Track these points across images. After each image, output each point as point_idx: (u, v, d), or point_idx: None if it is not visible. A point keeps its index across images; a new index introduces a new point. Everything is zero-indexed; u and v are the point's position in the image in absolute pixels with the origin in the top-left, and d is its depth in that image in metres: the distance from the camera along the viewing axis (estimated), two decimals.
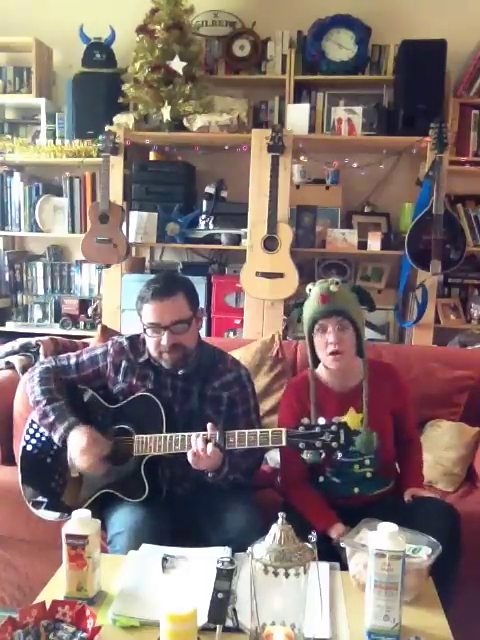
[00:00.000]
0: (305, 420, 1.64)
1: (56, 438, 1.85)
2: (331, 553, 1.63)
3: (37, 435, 1.95)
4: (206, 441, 1.68)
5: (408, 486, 1.88)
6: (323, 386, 1.93)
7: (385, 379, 1.94)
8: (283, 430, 1.65)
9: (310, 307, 1.85)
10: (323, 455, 1.61)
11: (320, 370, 1.95)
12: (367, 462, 1.87)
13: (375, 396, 1.88)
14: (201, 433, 1.71)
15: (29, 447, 1.95)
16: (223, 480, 1.77)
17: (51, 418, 1.85)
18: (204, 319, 3.33)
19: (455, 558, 1.68)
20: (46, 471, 1.92)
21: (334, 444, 1.58)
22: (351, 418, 1.84)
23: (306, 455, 1.63)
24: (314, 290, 1.86)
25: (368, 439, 1.81)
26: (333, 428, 1.59)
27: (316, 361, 1.93)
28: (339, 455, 1.62)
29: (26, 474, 1.95)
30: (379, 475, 1.90)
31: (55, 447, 1.91)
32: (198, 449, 1.68)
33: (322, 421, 1.62)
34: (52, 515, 1.89)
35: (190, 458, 1.70)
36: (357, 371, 1.91)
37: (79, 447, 1.79)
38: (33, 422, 1.97)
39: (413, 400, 2.03)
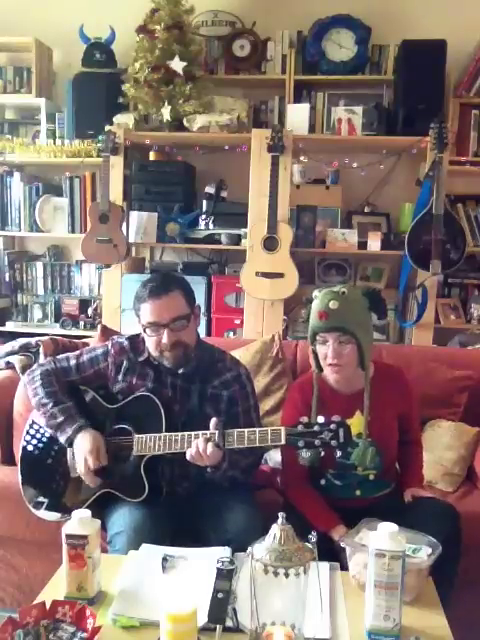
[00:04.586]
0: (304, 419, 1.63)
1: (63, 439, 1.84)
2: (331, 553, 1.63)
3: (37, 436, 1.95)
4: (207, 441, 1.68)
5: (408, 486, 1.88)
6: (330, 388, 1.91)
7: (392, 382, 1.93)
8: (282, 428, 1.65)
9: (311, 318, 1.83)
10: (322, 454, 1.60)
11: (326, 372, 1.94)
12: (371, 465, 1.85)
13: (381, 400, 1.86)
14: (200, 433, 1.71)
15: (30, 447, 1.95)
16: (222, 476, 1.77)
17: (60, 419, 1.85)
18: (204, 319, 3.38)
19: (455, 558, 1.68)
20: (46, 472, 1.92)
21: (333, 442, 1.58)
22: (358, 420, 1.83)
23: (302, 456, 1.63)
24: (315, 303, 1.82)
25: (364, 453, 1.78)
26: (332, 426, 1.59)
27: (320, 365, 1.91)
28: (338, 453, 1.62)
29: (26, 475, 1.94)
30: (382, 477, 1.89)
31: (56, 447, 1.91)
32: (199, 449, 1.68)
33: (321, 419, 1.61)
34: (52, 515, 1.89)
35: (189, 457, 1.70)
36: (361, 377, 1.87)
37: (83, 451, 1.79)
38: (34, 422, 1.97)
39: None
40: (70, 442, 1.84)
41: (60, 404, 1.87)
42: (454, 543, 1.67)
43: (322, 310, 1.78)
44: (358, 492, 1.88)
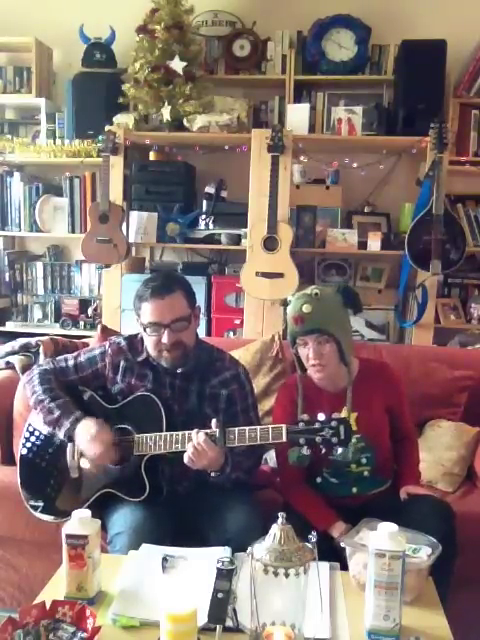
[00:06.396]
0: (305, 416, 1.64)
1: (62, 433, 1.84)
2: (331, 553, 1.63)
3: (33, 439, 1.95)
4: (205, 435, 1.68)
5: (404, 483, 1.88)
6: (315, 387, 1.92)
7: (377, 377, 1.94)
8: (283, 426, 1.65)
9: (288, 323, 1.85)
10: (309, 453, 1.60)
11: (310, 372, 1.95)
12: (364, 460, 1.86)
13: (367, 394, 1.88)
14: (202, 430, 1.71)
15: (25, 451, 1.95)
16: (226, 479, 1.77)
17: (56, 414, 1.85)
18: (204, 319, 3.38)
19: (451, 557, 1.68)
20: (42, 476, 1.92)
21: (334, 439, 1.58)
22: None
23: (291, 457, 1.63)
24: (289, 308, 1.84)
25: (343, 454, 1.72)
26: (333, 423, 1.59)
27: (304, 366, 1.92)
28: (339, 450, 1.62)
29: (23, 478, 1.94)
30: (377, 474, 1.89)
31: (51, 450, 1.91)
32: (195, 442, 1.67)
33: (322, 417, 1.61)
34: (49, 518, 1.89)
35: (189, 451, 1.69)
36: (345, 375, 1.89)
37: (89, 436, 1.78)
38: (30, 425, 1.97)
39: (413, 400, 2.03)
40: (69, 436, 1.83)
41: (57, 399, 1.87)
42: (450, 542, 1.66)
43: (296, 315, 1.79)
44: (354, 489, 1.88)
